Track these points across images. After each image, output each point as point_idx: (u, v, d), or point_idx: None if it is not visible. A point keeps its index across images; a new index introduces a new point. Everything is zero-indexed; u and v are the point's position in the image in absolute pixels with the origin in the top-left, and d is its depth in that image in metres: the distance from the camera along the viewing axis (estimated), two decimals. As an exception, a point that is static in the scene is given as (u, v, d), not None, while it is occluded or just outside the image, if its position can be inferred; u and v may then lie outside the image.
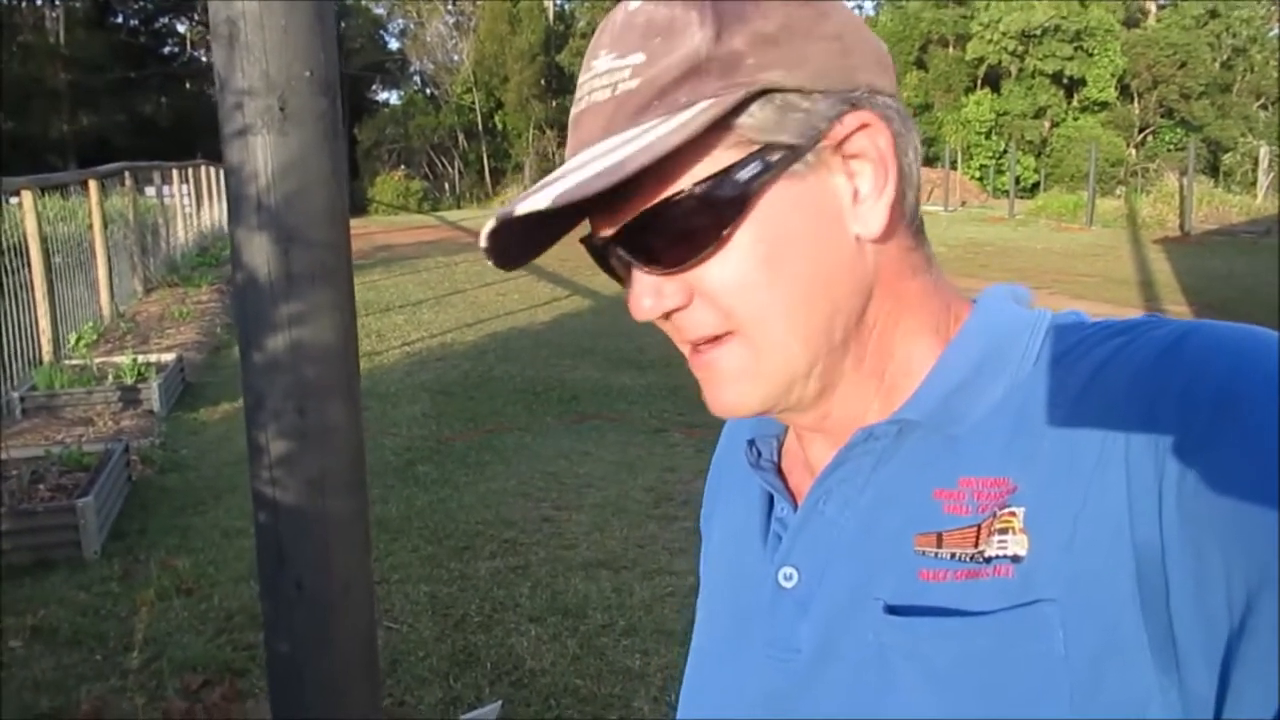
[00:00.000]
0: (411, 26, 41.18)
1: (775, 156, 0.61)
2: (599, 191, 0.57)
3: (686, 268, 0.62)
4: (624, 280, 0.67)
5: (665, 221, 0.61)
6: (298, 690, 2.07)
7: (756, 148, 0.60)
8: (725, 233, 0.61)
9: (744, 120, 0.60)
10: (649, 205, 0.61)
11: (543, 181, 0.61)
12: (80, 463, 4.88)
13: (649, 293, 0.64)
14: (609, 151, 0.59)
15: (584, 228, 0.67)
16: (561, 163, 0.64)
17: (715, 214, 0.60)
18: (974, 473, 0.61)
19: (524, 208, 0.59)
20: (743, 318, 0.62)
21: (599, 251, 0.66)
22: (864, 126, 0.62)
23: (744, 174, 0.60)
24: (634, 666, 3.44)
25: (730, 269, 0.61)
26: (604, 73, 0.62)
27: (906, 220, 0.66)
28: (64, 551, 4.30)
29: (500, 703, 3.18)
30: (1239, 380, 0.53)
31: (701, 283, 0.62)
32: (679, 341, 0.67)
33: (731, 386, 0.65)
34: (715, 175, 0.60)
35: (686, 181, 0.60)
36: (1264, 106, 33.78)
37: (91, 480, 4.63)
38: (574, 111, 0.65)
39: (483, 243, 0.63)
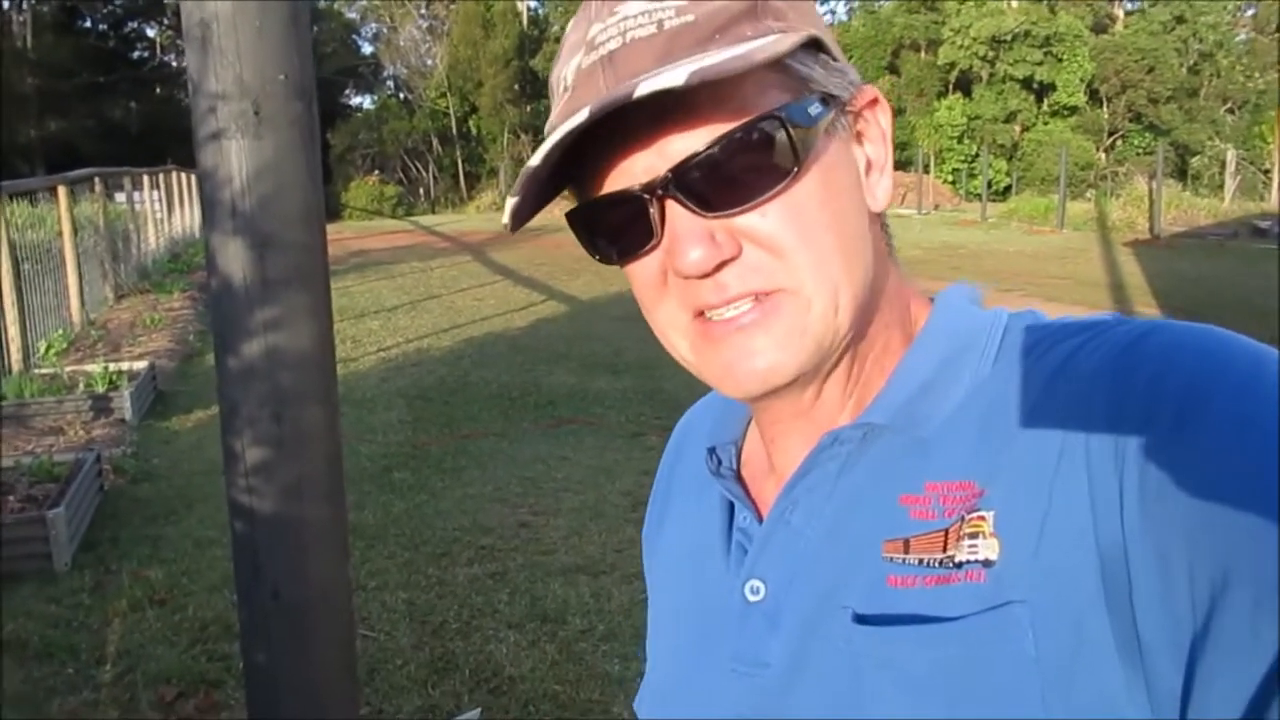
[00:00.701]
0: (384, 31, 41.00)
1: (831, 105, 0.62)
2: (735, 73, 0.55)
3: (750, 207, 0.59)
4: (625, 251, 0.63)
5: (735, 154, 0.58)
6: (275, 699, 2.05)
7: (815, 93, 0.61)
8: (798, 167, 0.59)
9: (797, 66, 0.60)
10: (726, 130, 0.58)
11: (634, 79, 0.55)
12: (51, 473, 4.81)
13: (701, 241, 0.59)
14: (691, 63, 0.55)
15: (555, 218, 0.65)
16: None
17: (788, 146, 0.58)
18: (939, 477, 0.61)
19: (650, 86, 0.54)
20: (800, 264, 0.60)
21: (600, 213, 0.62)
22: (875, 101, 0.65)
23: (814, 110, 0.60)
24: (613, 671, 3.43)
25: (793, 210, 0.59)
26: (638, 14, 0.59)
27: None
28: (34, 564, 4.24)
29: (479, 710, 3.16)
30: (1205, 379, 0.53)
31: (758, 227, 0.59)
32: (689, 310, 0.62)
33: (771, 350, 0.61)
34: (788, 105, 0.59)
35: (759, 109, 0.58)
36: (1230, 111, 34.26)
37: (62, 491, 4.57)
38: (597, 55, 0.60)
39: (539, 157, 0.58)
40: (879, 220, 0.67)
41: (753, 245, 0.60)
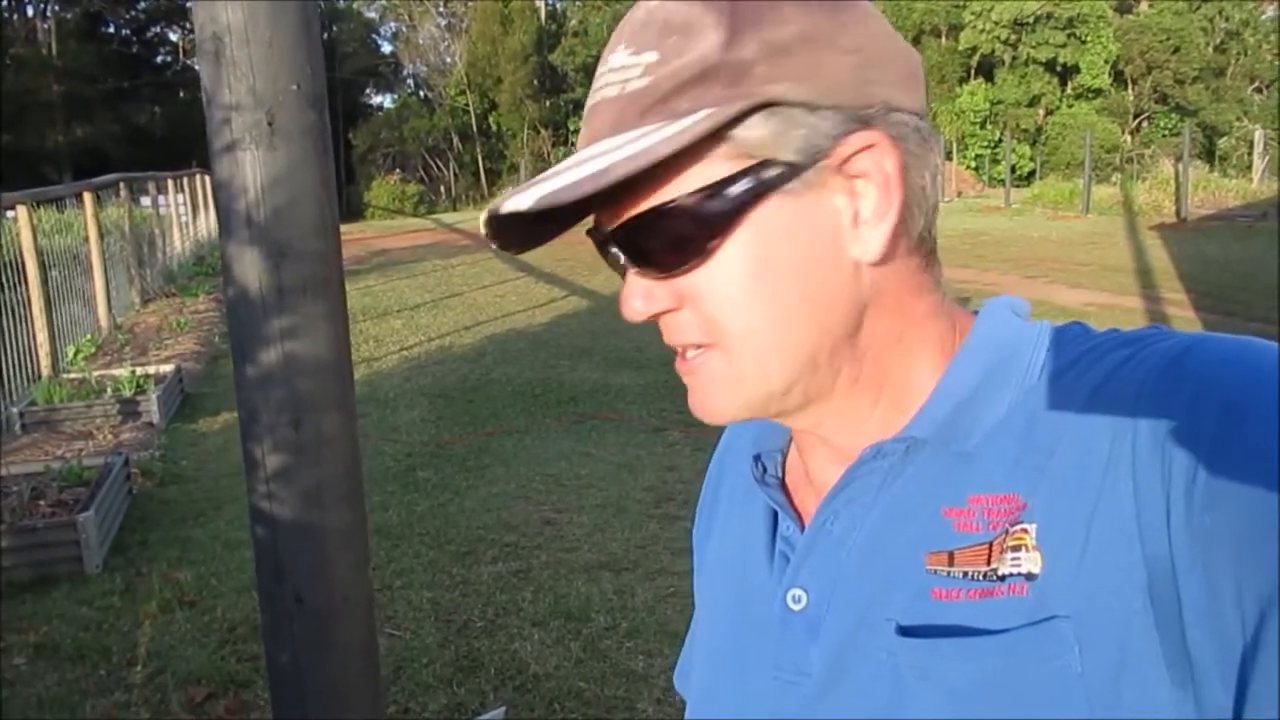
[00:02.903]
0: (404, 29, 41.18)
1: (771, 173, 0.59)
2: (582, 197, 0.57)
3: (675, 274, 0.62)
4: (624, 274, 0.67)
5: (655, 228, 0.61)
6: (300, 702, 2.07)
7: (753, 162, 0.59)
8: (710, 245, 0.60)
9: (743, 133, 0.58)
10: (639, 210, 0.61)
11: (539, 177, 0.61)
12: (80, 477, 4.87)
13: (639, 294, 0.64)
14: (605, 153, 0.58)
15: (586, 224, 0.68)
16: (557, 161, 0.64)
17: (703, 226, 0.60)
18: (983, 490, 0.61)
19: (509, 206, 0.59)
20: (724, 331, 0.62)
21: (602, 243, 0.66)
22: (869, 147, 0.60)
23: (735, 189, 0.59)
24: (638, 668, 3.44)
25: (715, 282, 0.61)
26: (618, 69, 0.61)
27: (914, 242, 0.64)
28: (66, 567, 4.30)
29: (504, 708, 3.18)
30: (1247, 393, 0.53)
31: (689, 291, 0.62)
32: (668, 343, 0.68)
33: (710, 395, 0.65)
34: (706, 188, 0.59)
35: (677, 191, 0.59)
36: (1258, 90, 33.78)
37: (92, 494, 4.63)
38: (588, 104, 0.65)
39: (483, 231, 0.65)
40: (894, 258, 0.63)
41: (687, 305, 0.63)
